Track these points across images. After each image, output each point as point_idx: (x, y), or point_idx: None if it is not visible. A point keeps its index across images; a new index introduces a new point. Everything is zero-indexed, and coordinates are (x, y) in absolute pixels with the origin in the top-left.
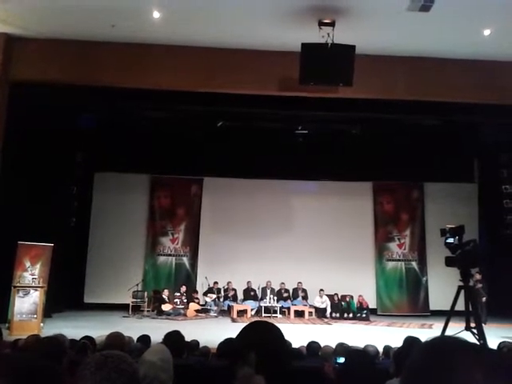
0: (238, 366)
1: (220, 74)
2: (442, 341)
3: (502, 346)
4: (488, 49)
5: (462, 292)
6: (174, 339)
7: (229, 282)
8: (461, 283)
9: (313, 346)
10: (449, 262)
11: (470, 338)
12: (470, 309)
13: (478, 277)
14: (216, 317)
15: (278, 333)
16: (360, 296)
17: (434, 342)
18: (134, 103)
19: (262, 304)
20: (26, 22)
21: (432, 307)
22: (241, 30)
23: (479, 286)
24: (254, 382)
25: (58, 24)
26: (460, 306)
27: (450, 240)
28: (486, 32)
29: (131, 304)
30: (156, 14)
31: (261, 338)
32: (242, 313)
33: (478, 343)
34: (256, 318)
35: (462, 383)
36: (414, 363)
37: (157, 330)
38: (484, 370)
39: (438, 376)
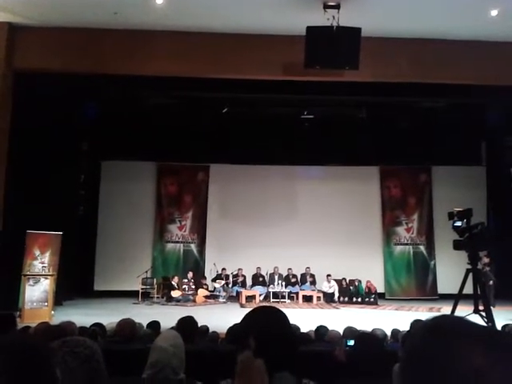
0: (239, 350)
1: (224, 60)
2: (443, 320)
3: (506, 329)
4: (495, 30)
5: (470, 275)
6: (187, 324)
7: (239, 269)
8: (469, 266)
9: (321, 331)
10: (457, 246)
11: (478, 321)
12: (479, 292)
13: (486, 260)
14: (225, 302)
15: (280, 317)
16: (368, 281)
17: (434, 321)
18: (138, 90)
19: (271, 289)
20: (28, 10)
21: (440, 291)
22: (245, 14)
23: (487, 269)
24: (254, 365)
25: (61, 12)
26: (468, 289)
27: (458, 223)
28: (494, 12)
29: (141, 291)
30: (159, 0)
31: (261, 323)
32: (250, 298)
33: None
34: (264, 304)
35: (463, 367)
36: (414, 343)
37: (166, 316)
38: (487, 353)
39: (437, 357)
